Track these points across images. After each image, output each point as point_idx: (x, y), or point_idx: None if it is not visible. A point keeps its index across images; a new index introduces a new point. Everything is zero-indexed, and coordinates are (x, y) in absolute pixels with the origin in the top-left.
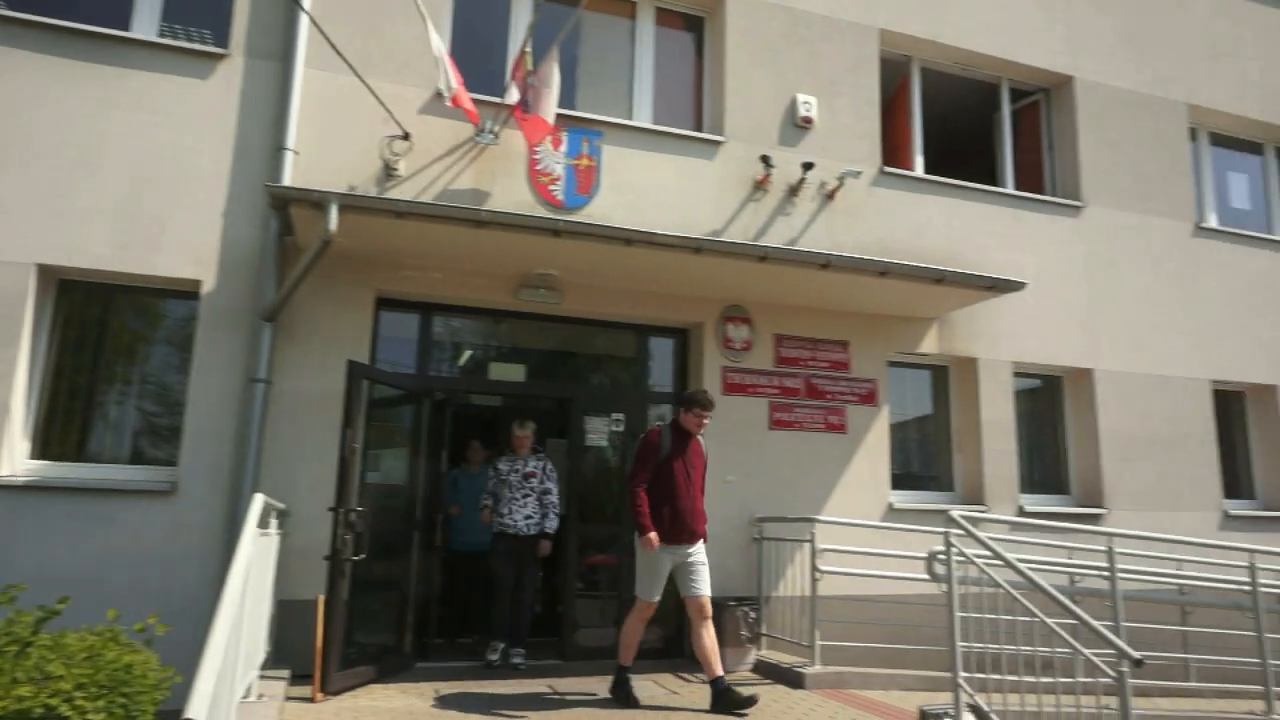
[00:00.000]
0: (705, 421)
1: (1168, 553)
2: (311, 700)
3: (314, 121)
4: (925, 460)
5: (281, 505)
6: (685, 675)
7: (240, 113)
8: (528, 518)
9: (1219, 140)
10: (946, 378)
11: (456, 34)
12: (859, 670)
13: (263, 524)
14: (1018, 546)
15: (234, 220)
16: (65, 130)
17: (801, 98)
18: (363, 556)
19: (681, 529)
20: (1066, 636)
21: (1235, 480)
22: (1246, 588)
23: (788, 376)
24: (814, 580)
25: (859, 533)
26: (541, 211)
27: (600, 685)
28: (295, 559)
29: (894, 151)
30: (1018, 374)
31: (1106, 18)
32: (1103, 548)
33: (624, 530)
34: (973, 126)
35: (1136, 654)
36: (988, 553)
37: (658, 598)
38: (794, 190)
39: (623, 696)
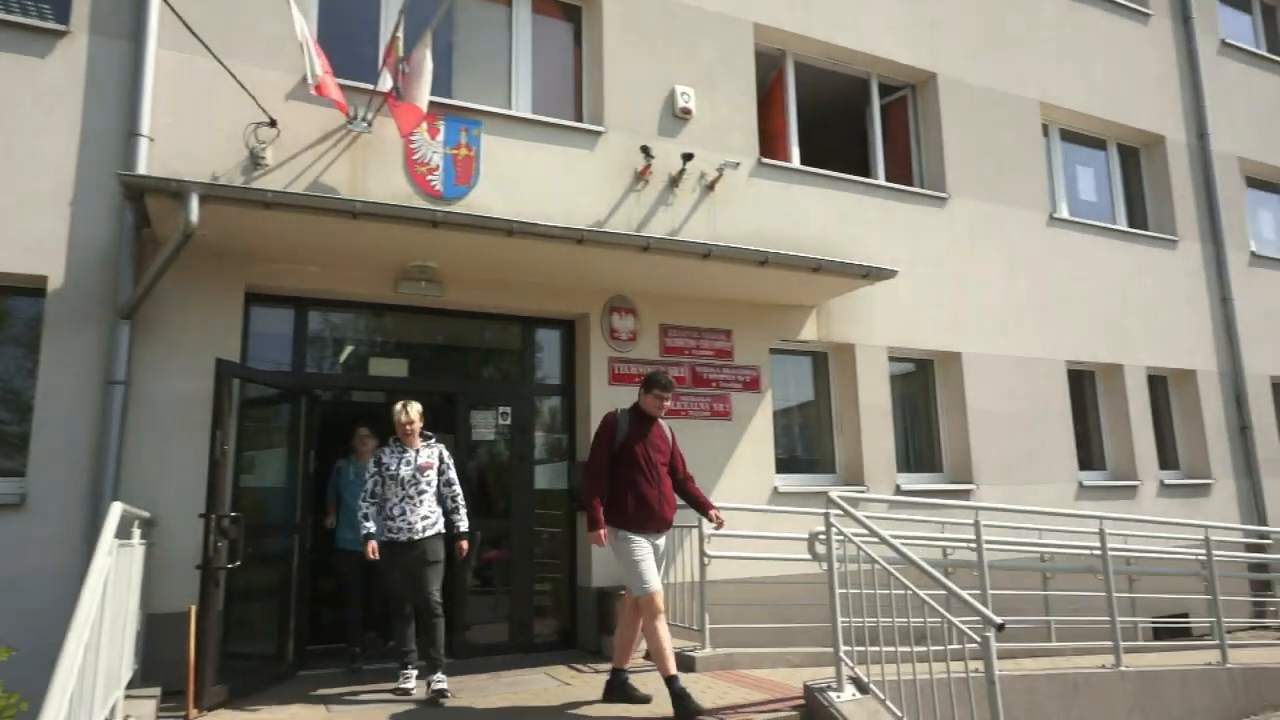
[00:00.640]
0: (666, 404)
1: (1030, 524)
2: (185, 718)
3: (171, 106)
4: (808, 444)
5: (145, 514)
6: (578, 666)
7: (86, 95)
8: (424, 519)
9: (1068, 136)
10: (826, 363)
11: (325, 16)
12: (748, 651)
13: (124, 534)
14: (896, 524)
15: (83, 211)
16: None
17: (680, 89)
18: (238, 564)
19: (649, 516)
20: (937, 606)
21: (1088, 453)
22: (1098, 552)
23: (673, 365)
24: (703, 565)
25: (745, 516)
26: (420, 202)
27: (490, 682)
28: (165, 570)
29: (771, 143)
30: (893, 358)
31: (966, 18)
32: (971, 521)
33: (515, 525)
34: (846, 120)
35: (998, 619)
36: (865, 531)
37: (657, 587)
38: (675, 181)
39: (623, 695)
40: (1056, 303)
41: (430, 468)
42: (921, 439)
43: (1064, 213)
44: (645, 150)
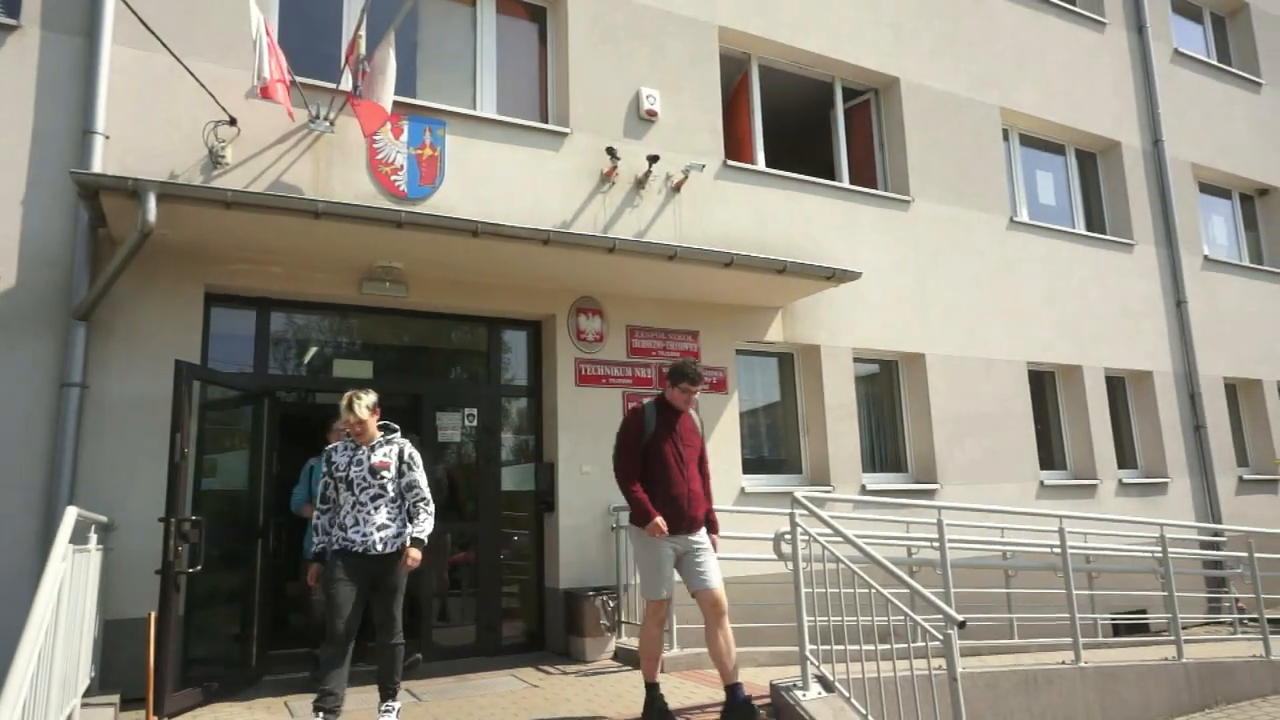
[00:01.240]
0: (693, 396)
1: (992, 523)
2: None
3: (128, 104)
4: (775, 444)
5: (102, 518)
6: (546, 668)
7: (38, 92)
8: (382, 528)
9: (1028, 141)
10: (793, 364)
11: (286, 14)
12: None
13: (80, 539)
14: (861, 523)
15: (35, 210)
16: None
17: (645, 91)
18: (199, 568)
19: (679, 516)
20: (900, 605)
21: (1049, 453)
22: (1058, 550)
23: (640, 366)
24: None
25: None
26: (384, 202)
27: (456, 685)
28: (124, 575)
29: (737, 145)
30: (858, 359)
31: (928, 23)
32: (935, 520)
33: (481, 527)
34: (811, 123)
35: (959, 616)
36: (830, 531)
37: (666, 593)
38: (641, 182)
39: (657, 714)
40: (1018, 305)
41: (386, 468)
42: (887, 439)
43: (1024, 216)
44: (611, 152)
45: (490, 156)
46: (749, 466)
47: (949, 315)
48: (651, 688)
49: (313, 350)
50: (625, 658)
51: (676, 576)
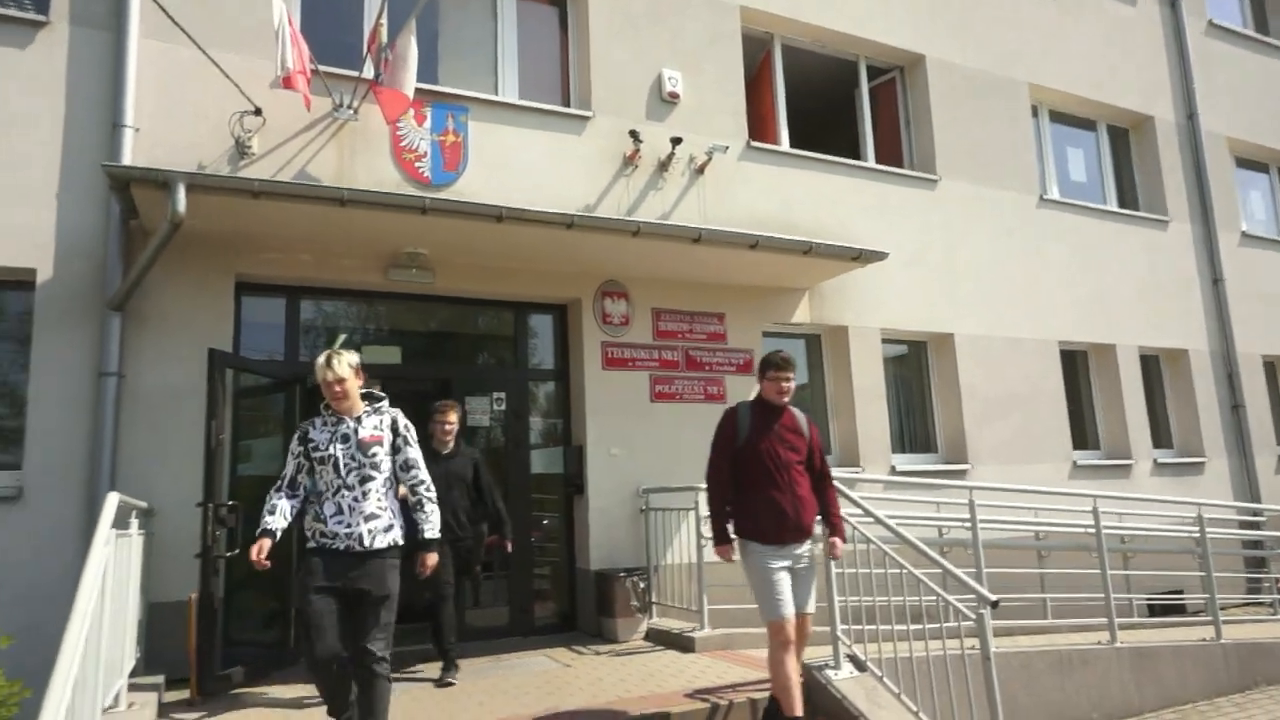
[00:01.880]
0: (786, 385)
1: (1024, 503)
2: (190, 704)
3: (155, 96)
4: None
5: (143, 504)
6: (578, 648)
7: (69, 86)
8: (371, 518)
9: (1058, 117)
10: (820, 346)
11: (309, 3)
12: (747, 631)
13: (121, 524)
14: (891, 504)
15: (70, 203)
16: None
17: (667, 73)
18: (237, 552)
19: (782, 525)
20: (932, 585)
21: (1082, 433)
22: (1092, 530)
23: (667, 349)
24: (700, 547)
25: None
26: (408, 189)
27: (491, 665)
28: (165, 559)
29: (760, 126)
30: (886, 340)
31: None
32: (965, 500)
33: (512, 509)
34: (836, 102)
35: (992, 596)
36: (860, 512)
37: (788, 613)
38: (664, 165)
39: None
40: (1048, 284)
41: (378, 443)
42: (916, 420)
43: (1054, 194)
44: (634, 134)
45: (513, 141)
46: None
47: (978, 295)
48: (774, 707)
49: (342, 337)
50: (657, 638)
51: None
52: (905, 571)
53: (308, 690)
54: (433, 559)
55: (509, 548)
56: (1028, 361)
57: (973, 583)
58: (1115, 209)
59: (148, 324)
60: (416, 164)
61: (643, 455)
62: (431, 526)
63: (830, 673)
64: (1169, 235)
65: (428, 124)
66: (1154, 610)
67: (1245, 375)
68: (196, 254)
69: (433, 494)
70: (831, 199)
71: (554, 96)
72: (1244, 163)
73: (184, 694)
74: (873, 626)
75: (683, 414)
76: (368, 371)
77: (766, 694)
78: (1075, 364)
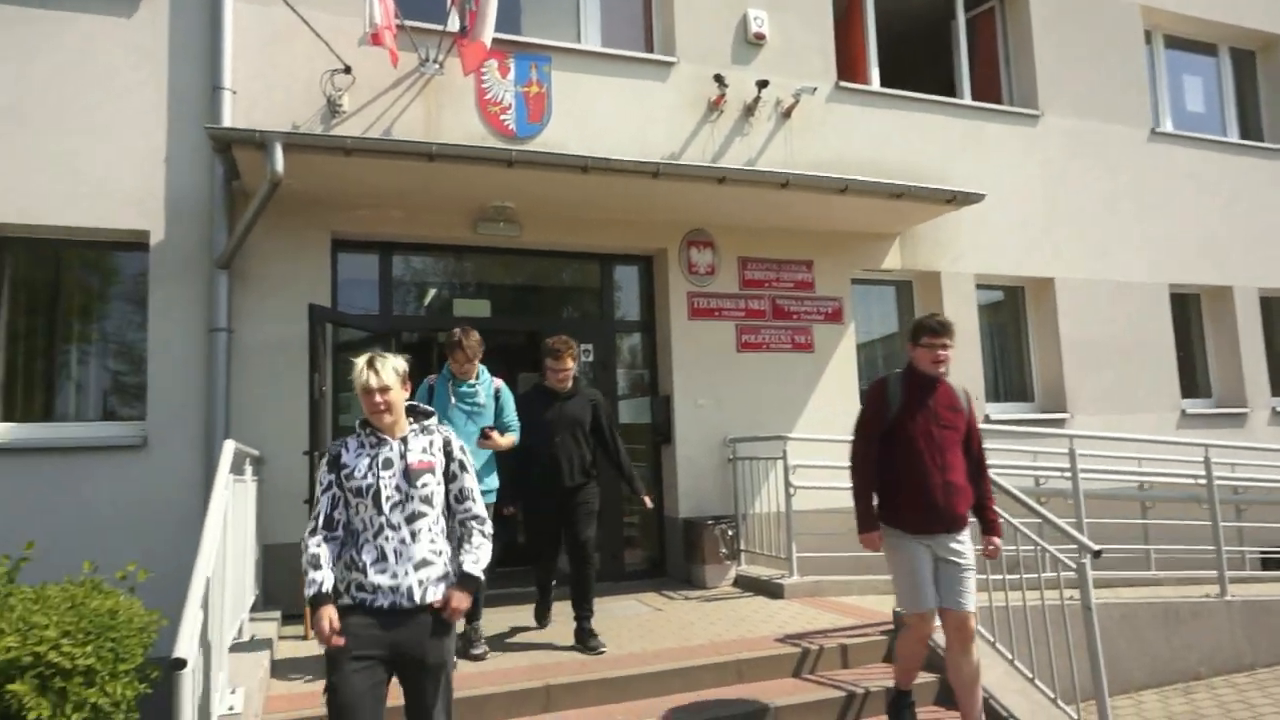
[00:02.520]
0: (944, 354)
1: (1128, 452)
2: (304, 638)
3: (251, 58)
4: None
5: (255, 452)
6: (668, 593)
7: (171, 51)
8: (423, 565)
9: (1174, 43)
10: (911, 293)
11: None
12: (836, 579)
13: (237, 470)
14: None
15: (177, 166)
16: None
17: (752, 13)
18: None
19: (932, 512)
20: (1031, 534)
21: (1192, 380)
22: (1202, 481)
23: (753, 299)
24: (788, 495)
25: (831, 447)
26: (494, 142)
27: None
28: (276, 504)
29: (849, 65)
30: (980, 286)
31: None
32: (1065, 450)
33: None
34: (929, 37)
35: (1095, 545)
36: None
37: (929, 606)
38: (750, 109)
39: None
40: (1158, 223)
41: (429, 470)
42: (1011, 368)
43: (1168, 126)
44: (719, 79)
45: (597, 90)
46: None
47: (1081, 236)
48: (903, 694)
49: (432, 291)
50: (745, 584)
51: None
52: (1001, 520)
53: None
54: (462, 600)
55: (649, 502)
56: (1134, 306)
57: (1074, 532)
58: (1237, 140)
59: (251, 281)
60: (501, 117)
61: (729, 405)
62: (475, 560)
63: None
64: None
65: (511, 75)
66: (1268, 565)
67: None
68: (294, 213)
69: (488, 528)
70: (924, 139)
71: (637, 43)
72: None
73: (298, 629)
74: None
75: (769, 364)
76: (460, 324)
77: (857, 640)
78: (1186, 307)
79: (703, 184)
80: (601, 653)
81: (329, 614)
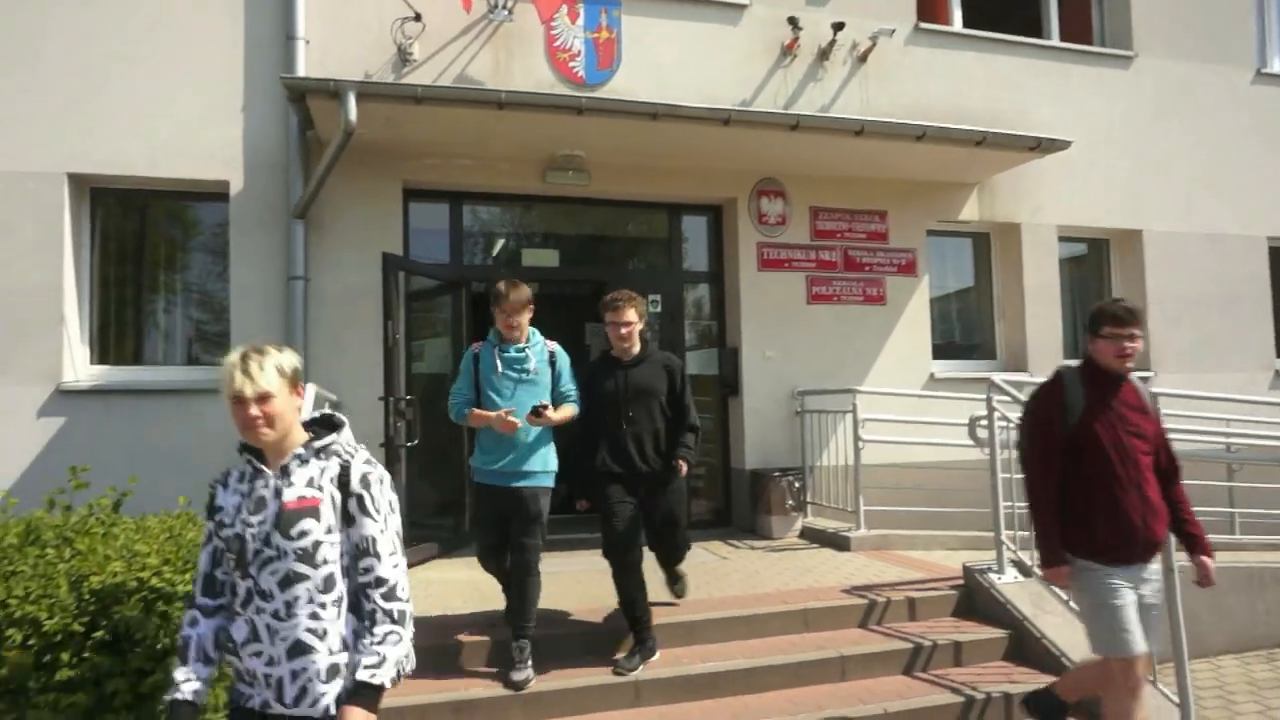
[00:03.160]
0: (1131, 347)
1: (1215, 412)
2: None
3: (322, 7)
4: (967, 330)
5: (333, 396)
6: (734, 543)
7: (246, 3)
8: (299, 653)
9: None
10: (988, 245)
11: None
12: (903, 533)
13: None
14: None
15: (254, 117)
16: (77, 37)
17: None
18: (415, 442)
19: (1128, 538)
20: None
21: None
22: None
23: (825, 249)
24: (857, 449)
25: (900, 401)
26: (563, 89)
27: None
28: None
29: (930, 6)
30: (1062, 238)
31: None
32: None
33: None
34: None
35: None
36: None
37: (1140, 650)
38: (824, 53)
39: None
40: (1260, 171)
41: (309, 512)
42: None
43: (1275, 67)
44: (792, 22)
45: (667, 35)
46: (938, 352)
47: (1172, 186)
48: (1061, 703)
49: (501, 241)
50: (811, 536)
51: None
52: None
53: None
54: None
55: (683, 470)
56: (1228, 259)
57: None
58: None
59: (327, 231)
60: (571, 64)
61: (798, 358)
62: (377, 662)
63: (993, 576)
64: None
65: (580, 21)
66: None
67: None
68: (367, 163)
69: (399, 604)
70: (1008, 83)
71: None
72: None
73: None
74: None
75: (840, 316)
76: (526, 276)
77: (926, 594)
78: None
79: (774, 131)
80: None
81: None
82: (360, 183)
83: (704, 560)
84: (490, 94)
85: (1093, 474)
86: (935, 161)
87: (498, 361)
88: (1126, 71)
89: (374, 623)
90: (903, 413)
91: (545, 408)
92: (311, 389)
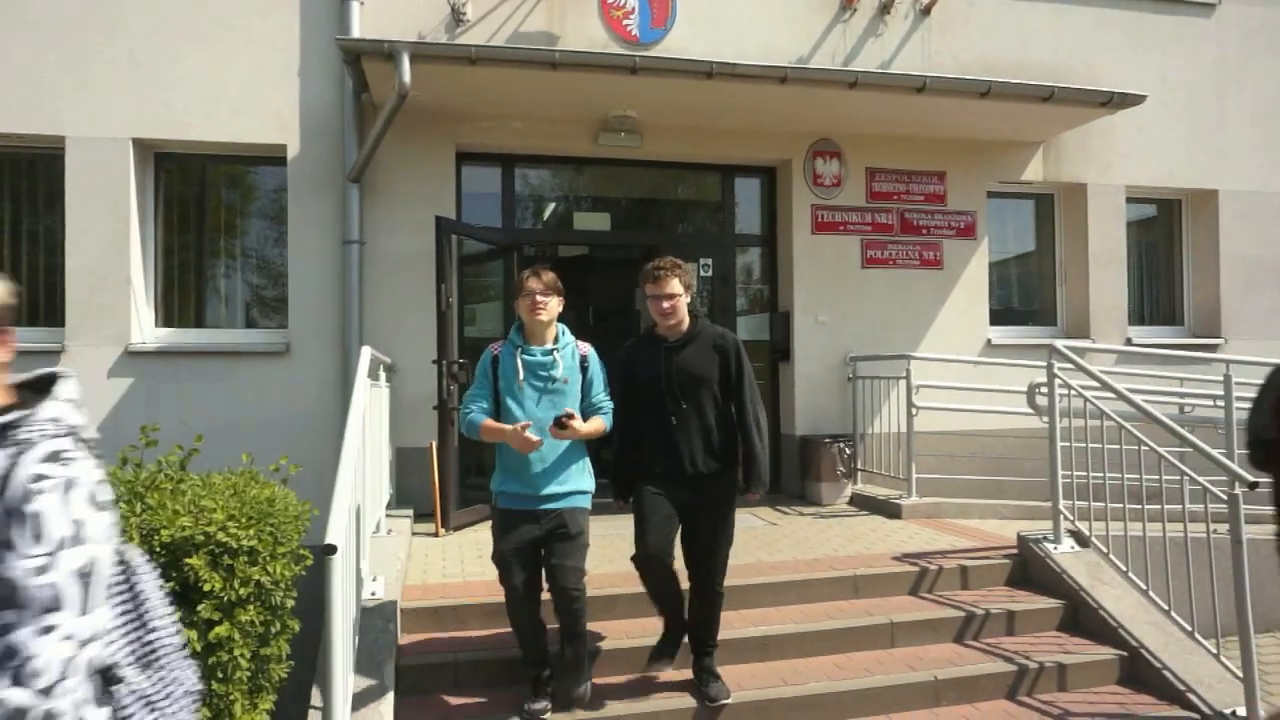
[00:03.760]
0: None
1: None
2: (435, 535)
3: None
4: (1026, 295)
5: (388, 360)
6: (783, 508)
7: None
8: None
9: None
10: (1052, 207)
11: None
12: (956, 501)
13: (373, 376)
14: (1124, 379)
15: (310, 80)
16: (152, 4)
17: None
18: None
19: None
20: (1177, 463)
21: None
22: None
23: (881, 212)
24: (910, 416)
25: (956, 368)
26: (616, 48)
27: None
28: (407, 410)
29: None
30: (1131, 200)
31: None
32: (1217, 377)
33: None
34: None
35: (1250, 477)
36: (1094, 383)
37: None
38: (885, 8)
39: None
40: None
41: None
42: (1160, 290)
43: None
44: None
45: None
46: (996, 318)
47: (1253, 143)
48: None
49: (552, 205)
50: (861, 503)
51: None
52: (1142, 448)
53: None
54: None
55: (752, 498)
56: None
57: (1227, 462)
58: None
59: (381, 194)
60: (624, 22)
61: (851, 323)
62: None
63: (1050, 545)
64: None
65: None
66: None
67: None
68: (420, 127)
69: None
70: (1077, 36)
71: None
72: None
73: (430, 526)
74: (1100, 504)
75: (896, 280)
76: (577, 240)
77: (978, 562)
78: None
79: (832, 89)
80: (723, 704)
81: None
82: (414, 146)
83: (753, 525)
84: (544, 54)
85: None
86: (999, 119)
87: (520, 366)
88: (1208, 20)
89: None
90: (958, 379)
91: (572, 418)
92: (367, 351)
